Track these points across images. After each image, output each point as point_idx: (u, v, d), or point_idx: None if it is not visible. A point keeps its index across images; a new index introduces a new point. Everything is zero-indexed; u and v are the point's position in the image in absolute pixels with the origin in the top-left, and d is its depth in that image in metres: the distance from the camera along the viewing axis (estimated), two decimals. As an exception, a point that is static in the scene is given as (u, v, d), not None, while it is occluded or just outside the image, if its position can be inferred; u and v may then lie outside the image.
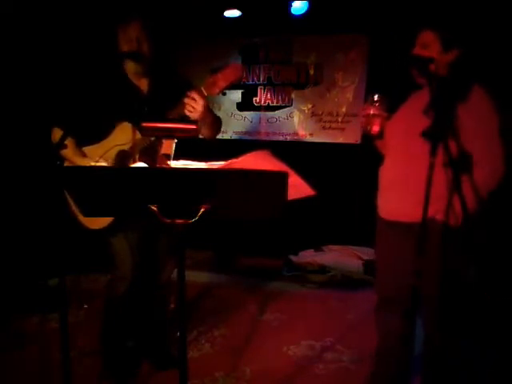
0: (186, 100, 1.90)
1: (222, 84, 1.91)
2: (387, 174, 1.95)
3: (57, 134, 2.07)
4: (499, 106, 1.74)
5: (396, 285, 1.89)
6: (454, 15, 1.89)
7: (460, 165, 1.61)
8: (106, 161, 2.02)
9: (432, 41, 1.77)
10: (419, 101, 1.84)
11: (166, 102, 1.95)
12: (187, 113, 1.92)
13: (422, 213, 1.53)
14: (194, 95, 1.89)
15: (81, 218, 2.07)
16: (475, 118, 1.69)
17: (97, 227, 2.07)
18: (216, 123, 2.21)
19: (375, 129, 1.88)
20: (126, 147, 2.04)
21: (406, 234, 1.80)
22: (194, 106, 1.89)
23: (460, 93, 1.73)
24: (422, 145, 1.62)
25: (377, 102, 1.86)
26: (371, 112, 1.87)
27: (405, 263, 1.79)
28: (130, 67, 2.11)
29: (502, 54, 3.17)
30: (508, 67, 3.12)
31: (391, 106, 1.94)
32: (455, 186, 1.49)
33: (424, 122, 1.69)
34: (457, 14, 1.91)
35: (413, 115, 1.83)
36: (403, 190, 1.82)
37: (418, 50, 1.80)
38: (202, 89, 1.90)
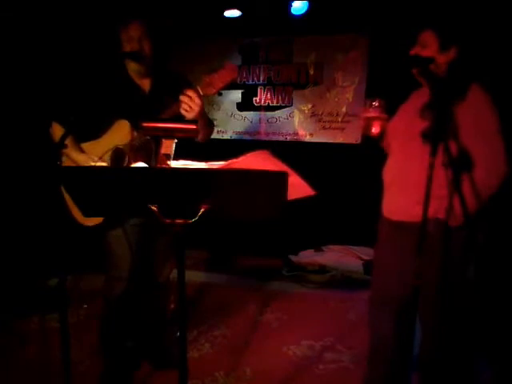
0: (183, 98, 1.85)
1: (219, 85, 1.88)
2: (389, 173, 1.95)
3: (56, 129, 2.07)
4: (498, 104, 1.73)
5: (394, 285, 1.88)
6: (450, 14, 1.88)
7: (460, 165, 1.60)
8: (105, 161, 2.02)
9: (430, 40, 1.77)
10: (419, 100, 1.85)
11: (167, 102, 1.95)
12: (183, 112, 1.87)
13: (421, 212, 1.52)
14: (191, 93, 1.85)
15: (75, 214, 2.05)
16: (474, 116, 1.68)
17: (91, 224, 2.05)
18: (209, 127, 2.19)
19: (375, 130, 1.90)
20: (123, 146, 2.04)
21: (406, 233, 1.79)
22: (191, 104, 1.85)
23: (458, 92, 1.73)
24: (421, 145, 1.62)
25: (376, 105, 1.88)
26: (371, 115, 1.89)
27: (405, 263, 1.78)
28: (132, 67, 2.12)
29: (499, 53, 3.17)
30: (506, 66, 3.12)
31: (391, 107, 1.95)
32: (455, 186, 1.49)
33: (423, 122, 1.69)
34: (453, 13, 1.90)
35: (412, 115, 1.84)
36: (403, 190, 1.82)
37: (416, 50, 1.81)
38: (199, 88, 1.87)
